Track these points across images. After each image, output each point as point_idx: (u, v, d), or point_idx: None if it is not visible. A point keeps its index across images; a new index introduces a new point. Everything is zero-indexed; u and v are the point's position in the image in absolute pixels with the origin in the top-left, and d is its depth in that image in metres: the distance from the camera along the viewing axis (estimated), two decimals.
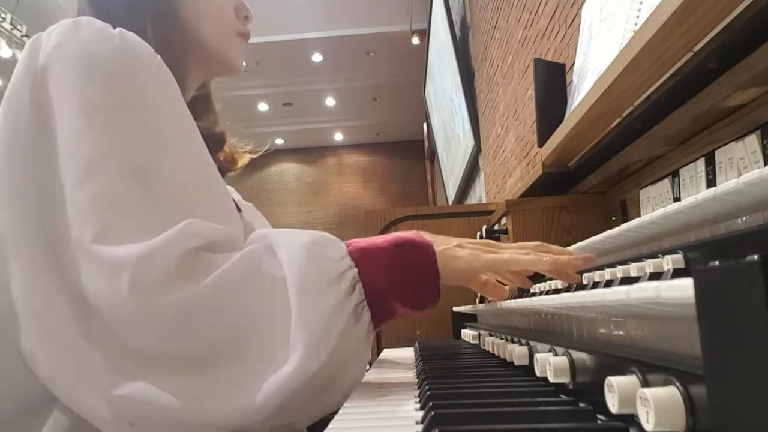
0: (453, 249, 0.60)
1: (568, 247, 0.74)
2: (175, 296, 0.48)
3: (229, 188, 0.88)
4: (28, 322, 0.50)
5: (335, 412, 0.46)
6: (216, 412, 0.47)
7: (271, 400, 0.47)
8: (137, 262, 0.48)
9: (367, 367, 0.59)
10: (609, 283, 0.38)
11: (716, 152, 0.60)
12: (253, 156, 0.89)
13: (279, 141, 10.25)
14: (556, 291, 0.58)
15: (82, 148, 0.52)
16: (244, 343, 0.49)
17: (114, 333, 0.48)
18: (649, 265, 0.51)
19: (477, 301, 1.07)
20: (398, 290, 0.55)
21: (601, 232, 0.63)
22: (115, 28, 0.59)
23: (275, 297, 0.50)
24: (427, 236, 0.61)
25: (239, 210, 0.80)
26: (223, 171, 0.81)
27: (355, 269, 0.54)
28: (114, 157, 0.52)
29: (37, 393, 0.50)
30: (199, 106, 0.80)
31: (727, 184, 0.40)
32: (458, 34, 4.46)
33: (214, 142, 0.77)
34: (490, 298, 0.69)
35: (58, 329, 0.49)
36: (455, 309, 1.23)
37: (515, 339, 0.62)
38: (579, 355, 0.41)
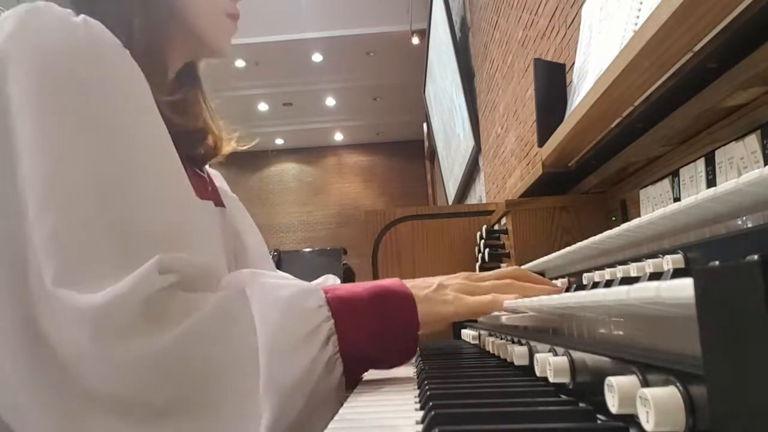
0: (437, 294, 0.60)
1: (567, 248, 0.74)
2: (139, 347, 0.45)
3: (214, 173, 0.86)
4: None
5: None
6: None
7: None
8: (101, 311, 0.45)
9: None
10: (609, 283, 0.38)
11: (716, 152, 0.60)
12: (239, 148, 0.84)
13: (279, 141, 10.25)
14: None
15: (42, 167, 0.48)
16: (212, 396, 0.47)
17: (70, 378, 0.45)
18: (649, 265, 0.51)
19: None
20: (375, 345, 0.55)
21: (601, 232, 0.63)
22: (79, 13, 0.55)
23: (246, 354, 0.48)
24: (408, 283, 0.60)
25: (222, 205, 0.79)
26: (205, 158, 0.78)
27: (332, 321, 0.53)
28: (76, 179, 0.49)
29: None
30: (185, 85, 0.77)
31: (727, 184, 0.40)
32: (458, 34, 4.46)
33: (195, 139, 0.73)
34: None
35: (9, 366, 0.45)
36: None
37: (515, 339, 0.62)
38: (579, 355, 0.41)
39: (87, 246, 0.48)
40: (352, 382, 0.56)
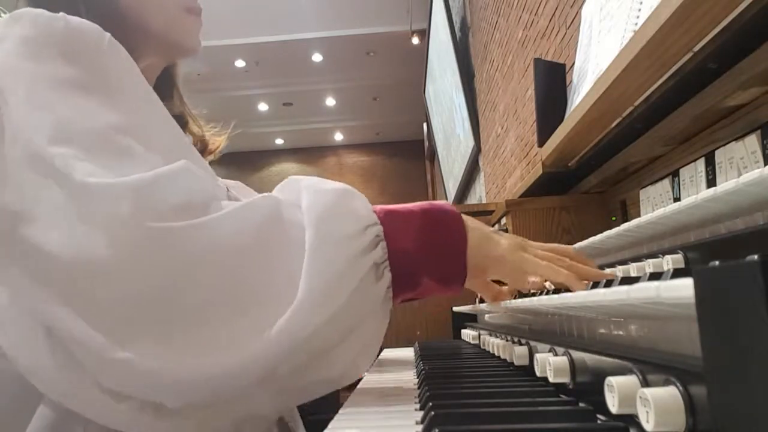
0: (491, 233, 0.57)
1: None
2: (185, 222, 0.44)
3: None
4: (13, 312, 0.45)
5: (334, 411, 0.46)
6: (220, 360, 0.43)
7: (273, 346, 0.43)
8: (146, 185, 0.44)
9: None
10: (609, 283, 0.38)
11: (716, 152, 0.60)
12: (223, 138, 0.83)
13: (279, 141, 10.25)
14: (556, 291, 0.58)
15: (48, 116, 0.47)
16: (250, 282, 0.45)
17: (109, 284, 0.42)
18: (649, 265, 0.51)
19: (477, 301, 1.07)
20: (425, 256, 0.52)
21: (601, 232, 0.63)
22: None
23: (289, 237, 0.47)
24: (467, 218, 0.57)
25: (227, 189, 0.79)
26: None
27: (380, 226, 0.51)
28: (86, 123, 0.48)
29: (19, 388, 0.47)
30: (161, 91, 0.75)
31: (727, 184, 0.40)
32: (458, 34, 4.46)
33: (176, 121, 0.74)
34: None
35: (43, 303, 0.43)
36: (455, 309, 1.23)
37: (515, 339, 0.62)
38: (579, 355, 0.41)
39: (112, 153, 0.47)
40: (405, 297, 0.53)
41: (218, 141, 0.83)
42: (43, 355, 0.45)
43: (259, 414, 0.48)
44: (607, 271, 0.61)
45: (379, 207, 0.53)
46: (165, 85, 0.78)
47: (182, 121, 0.76)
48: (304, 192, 0.51)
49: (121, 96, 0.53)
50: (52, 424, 0.49)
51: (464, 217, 0.56)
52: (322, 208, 0.49)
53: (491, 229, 0.58)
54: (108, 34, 0.57)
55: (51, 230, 0.44)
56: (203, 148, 0.80)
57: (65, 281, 0.43)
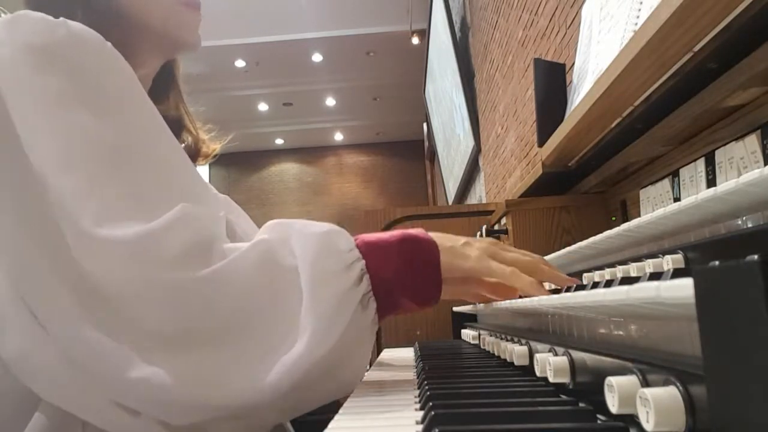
0: (461, 248, 0.62)
1: (567, 248, 0.74)
2: (187, 274, 0.48)
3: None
4: (21, 322, 0.47)
5: (334, 411, 0.46)
6: (229, 393, 0.47)
7: (283, 380, 0.48)
8: (146, 239, 0.47)
9: (367, 366, 0.60)
10: (609, 283, 0.38)
11: (716, 152, 0.60)
12: (218, 144, 0.84)
13: (279, 141, 10.25)
14: (556, 291, 0.58)
15: (52, 143, 0.50)
16: (256, 323, 0.49)
17: (123, 317, 0.46)
18: (649, 265, 0.51)
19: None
20: (403, 283, 0.57)
21: (601, 232, 0.63)
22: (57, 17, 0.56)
23: (287, 282, 0.52)
24: (433, 235, 0.62)
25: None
26: (193, 160, 0.79)
27: (363, 261, 0.56)
28: (87, 145, 0.51)
29: (16, 392, 0.49)
30: (160, 88, 0.77)
31: (727, 184, 0.40)
32: (458, 34, 4.46)
33: (171, 125, 0.73)
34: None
35: (63, 322, 0.46)
36: (455, 309, 1.23)
37: (515, 339, 0.62)
38: (579, 355, 0.41)
39: (115, 193, 0.50)
40: (387, 318, 0.58)
41: (213, 146, 0.83)
42: (53, 365, 0.47)
43: (261, 426, 0.53)
44: (607, 271, 0.61)
45: (360, 239, 0.58)
46: (163, 83, 0.78)
47: (178, 125, 0.77)
48: (294, 237, 0.55)
49: (121, 111, 0.55)
50: (50, 426, 0.50)
51: (437, 238, 0.61)
52: (312, 252, 0.54)
53: (463, 240, 0.62)
54: (109, 44, 0.58)
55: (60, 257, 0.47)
56: (197, 152, 0.80)
57: (92, 303, 0.47)
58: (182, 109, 0.81)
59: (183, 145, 0.78)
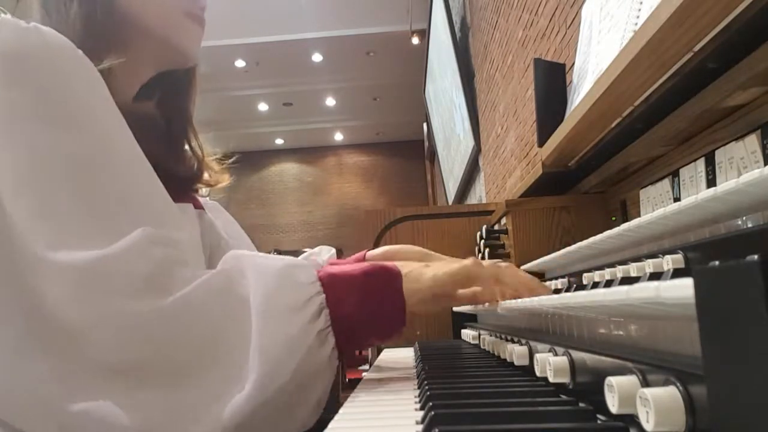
0: (424, 268, 0.62)
1: (567, 248, 0.74)
2: (140, 306, 0.46)
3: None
4: None
5: (334, 411, 0.46)
6: (188, 426, 0.45)
7: (230, 420, 0.46)
8: (94, 266, 0.46)
9: (367, 367, 0.59)
10: (609, 283, 0.38)
11: (716, 152, 0.60)
12: (227, 178, 0.84)
13: (279, 141, 10.25)
14: (556, 291, 0.58)
15: (8, 161, 0.49)
16: (208, 362, 0.48)
17: (71, 344, 0.45)
18: (649, 265, 0.51)
19: None
20: (364, 317, 0.56)
21: (601, 232, 0.63)
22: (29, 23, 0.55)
23: (240, 319, 0.50)
24: (402, 265, 0.62)
25: (202, 207, 0.79)
26: (189, 181, 0.77)
27: (323, 295, 0.54)
28: (46, 163, 0.50)
29: None
30: (151, 96, 0.75)
31: (727, 184, 0.40)
32: (458, 34, 4.46)
33: (150, 126, 0.71)
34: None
35: (9, 341, 0.46)
36: (455, 309, 1.23)
37: (515, 339, 0.62)
38: (579, 355, 0.41)
39: (71, 216, 0.49)
40: (348, 358, 0.57)
41: (221, 178, 0.82)
42: (6, 391, 0.46)
43: None
44: (607, 271, 0.61)
45: (323, 272, 0.57)
46: (159, 93, 0.76)
47: (157, 124, 0.74)
48: (251, 270, 0.53)
49: (85, 126, 0.54)
50: None
51: (401, 266, 0.61)
52: (268, 287, 0.52)
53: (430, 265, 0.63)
54: (80, 52, 0.56)
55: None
56: (200, 173, 0.78)
57: (41, 329, 0.46)
58: (187, 128, 0.79)
59: (186, 166, 0.76)
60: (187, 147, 0.79)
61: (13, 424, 0.47)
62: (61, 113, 0.53)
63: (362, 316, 0.56)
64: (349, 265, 0.60)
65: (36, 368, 0.45)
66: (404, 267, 0.62)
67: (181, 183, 0.76)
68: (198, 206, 0.78)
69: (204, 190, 0.82)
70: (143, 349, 0.46)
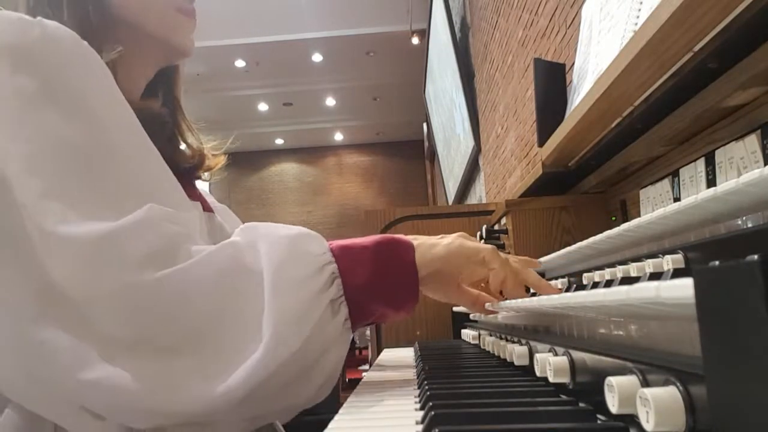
0: (438, 239, 0.62)
1: (567, 248, 0.74)
2: (149, 277, 0.46)
3: (204, 191, 0.86)
4: None
5: (334, 411, 0.46)
6: (186, 399, 0.46)
7: (239, 387, 0.46)
8: (109, 239, 0.46)
9: (367, 367, 0.59)
10: (609, 283, 0.38)
11: (716, 152, 0.60)
12: (224, 158, 0.84)
13: (279, 141, 10.25)
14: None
15: (21, 143, 0.49)
16: (217, 330, 0.48)
17: (83, 318, 0.45)
18: (649, 265, 0.51)
19: None
20: (377, 287, 0.56)
21: (601, 232, 0.63)
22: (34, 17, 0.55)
23: (251, 288, 0.50)
24: (414, 237, 0.62)
25: (212, 211, 0.80)
26: (191, 167, 0.77)
27: (335, 265, 0.54)
28: (56, 147, 0.50)
29: None
30: (154, 97, 0.76)
31: (727, 184, 0.40)
32: (458, 34, 4.46)
33: (156, 122, 0.71)
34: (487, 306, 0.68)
35: (22, 314, 0.46)
36: (455, 309, 1.23)
37: (515, 339, 0.62)
38: (579, 355, 0.41)
39: (80, 194, 0.49)
40: (362, 325, 0.57)
41: (217, 160, 0.82)
42: (10, 367, 0.46)
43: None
44: (607, 271, 0.61)
45: (335, 243, 0.57)
46: (159, 93, 0.77)
47: (163, 120, 0.74)
48: (262, 240, 0.53)
49: (92, 112, 0.54)
50: (22, 424, 0.50)
51: (413, 239, 0.61)
52: (279, 256, 0.52)
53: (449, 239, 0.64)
54: (85, 42, 0.57)
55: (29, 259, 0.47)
56: (200, 163, 0.79)
57: (52, 303, 0.46)
58: (179, 119, 0.80)
59: (189, 156, 0.77)
60: (183, 137, 0.79)
61: (25, 405, 0.48)
62: (70, 100, 0.53)
63: (375, 286, 0.55)
64: (361, 238, 0.60)
65: (48, 339, 0.45)
66: (416, 239, 0.62)
67: (185, 173, 0.76)
68: (207, 209, 0.78)
69: (205, 175, 0.82)
70: (148, 320, 0.46)
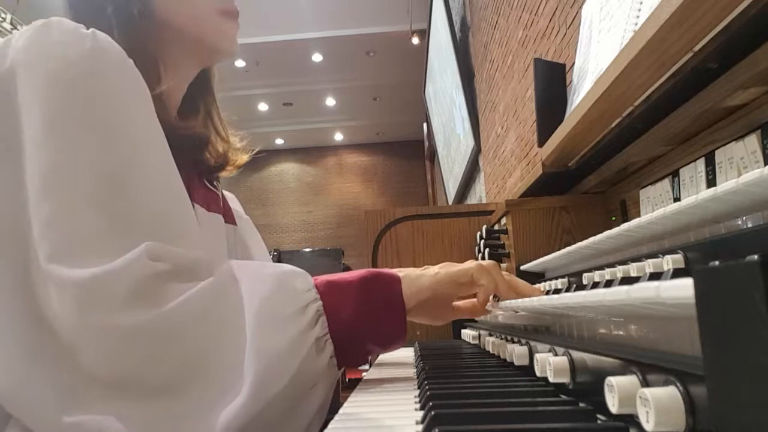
0: (423, 271, 0.63)
1: (567, 248, 0.74)
2: (132, 319, 0.46)
3: (230, 195, 0.86)
4: None
5: (334, 411, 0.46)
6: None
7: (225, 429, 0.45)
8: (91, 283, 0.46)
9: (367, 367, 0.59)
10: (609, 283, 0.38)
11: (716, 152, 0.60)
12: (246, 157, 0.85)
13: (279, 141, 10.25)
14: (556, 291, 0.58)
15: (43, 162, 0.50)
16: (200, 373, 0.47)
17: (68, 357, 0.46)
18: (649, 265, 0.51)
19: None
20: (363, 322, 0.55)
21: (601, 232, 0.63)
22: (88, 28, 0.56)
23: (232, 328, 0.49)
24: (399, 270, 0.62)
25: (234, 223, 0.80)
26: (214, 169, 0.78)
27: (320, 302, 0.54)
28: (75, 172, 0.50)
29: None
30: (194, 95, 0.77)
31: (727, 184, 0.40)
32: (458, 34, 4.46)
33: (194, 144, 0.73)
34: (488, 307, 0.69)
35: (14, 346, 0.46)
36: None
37: (515, 339, 0.62)
38: (579, 355, 0.41)
39: (80, 229, 0.49)
40: (351, 364, 0.56)
41: (242, 159, 0.83)
42: (3, 399, 0.47)
43: None
44: (607, 271, 0.61)
45: (320, 279, 0.57)
46: (198, 91, 0.78)
47: (200, 142, 0.75)
48: (247, 279, 0.53)
49: (122, 136, 0.54)
50: None
51: (399, 271, 0.61)
52: (263, 295, 0.51)
53: (435, 269, 0.64)
54: (130, 61, 0.57)
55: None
56: (224, 164, 0.79)
57: (42, 339, 0.47)
58: (215, 118, 0.80)
59: (211, 154, 0.77)
60: (215, 147, 0.80)
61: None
62: (101, 123, 0.53)
63: (361, 322, 0.55)
64: (346, 273, 0.60)
65: (35, 377, 0.45)
66: (401, 271, 0.62)
67: (208, 173, 0.77)
68: (230, 221, 0.78)
69: (225, 171, 0.83)
70: (133, 362, 0.46)
